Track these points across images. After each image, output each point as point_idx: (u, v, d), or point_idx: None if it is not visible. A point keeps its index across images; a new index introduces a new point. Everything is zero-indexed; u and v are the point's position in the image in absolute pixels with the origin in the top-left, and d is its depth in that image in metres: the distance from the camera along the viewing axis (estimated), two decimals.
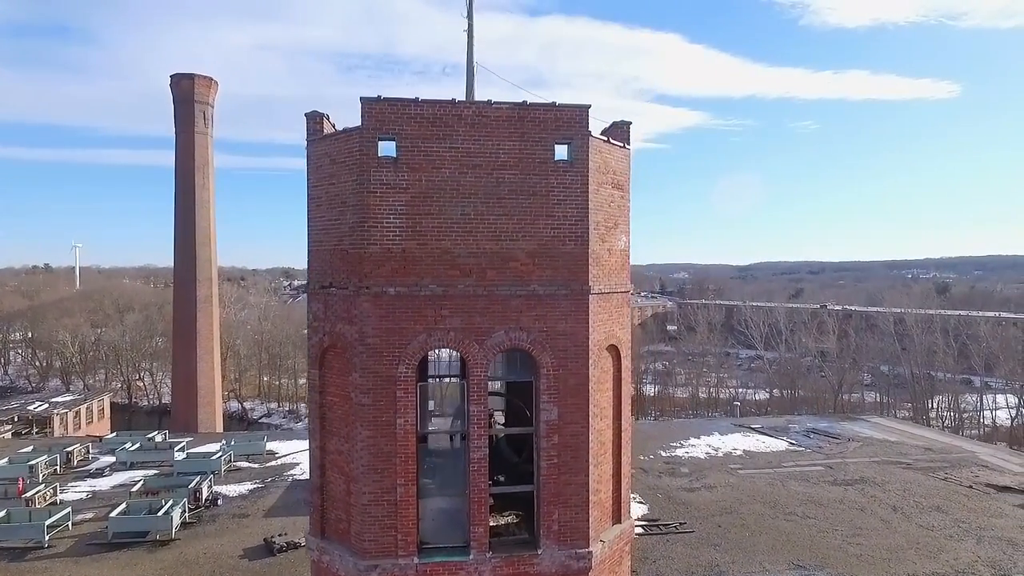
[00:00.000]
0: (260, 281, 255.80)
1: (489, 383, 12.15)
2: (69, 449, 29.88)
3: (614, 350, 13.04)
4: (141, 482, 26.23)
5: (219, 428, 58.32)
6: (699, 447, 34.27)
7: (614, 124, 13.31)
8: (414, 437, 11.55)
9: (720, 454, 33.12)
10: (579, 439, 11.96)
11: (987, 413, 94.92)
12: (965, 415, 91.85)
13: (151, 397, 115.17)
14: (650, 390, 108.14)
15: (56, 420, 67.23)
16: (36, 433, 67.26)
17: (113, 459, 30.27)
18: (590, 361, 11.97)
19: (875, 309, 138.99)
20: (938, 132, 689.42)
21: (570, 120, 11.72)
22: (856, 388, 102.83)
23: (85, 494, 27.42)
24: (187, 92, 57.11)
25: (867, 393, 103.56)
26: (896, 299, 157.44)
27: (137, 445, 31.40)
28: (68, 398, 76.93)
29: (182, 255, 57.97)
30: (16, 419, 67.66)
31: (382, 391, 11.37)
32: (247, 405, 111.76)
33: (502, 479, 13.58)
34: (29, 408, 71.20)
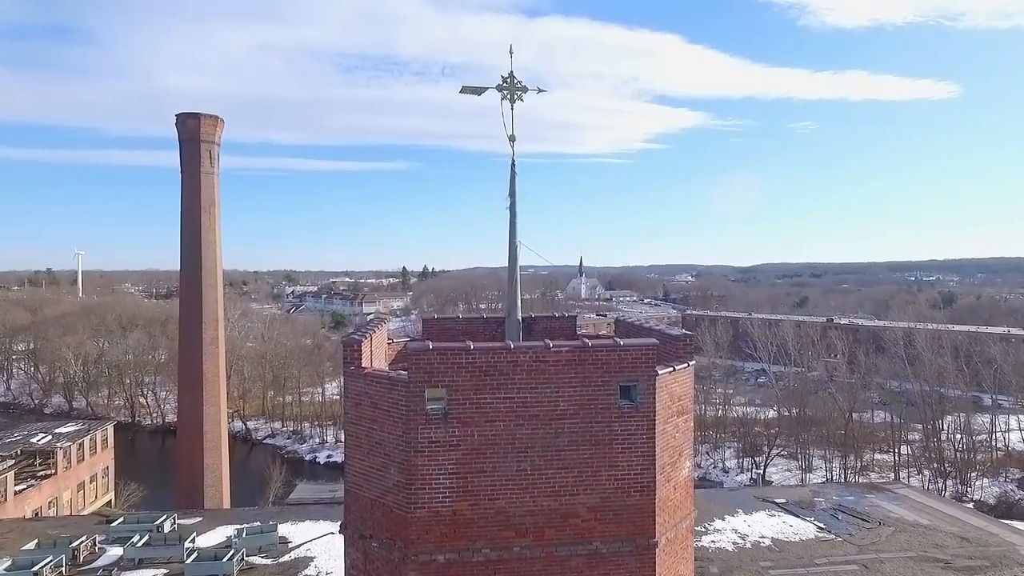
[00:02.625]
0: (262, 286, 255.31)
1: None
2: (75, 544, 29.03)
3: None
4: None
5: (225, 473, 57.38)
6: (725, 533, 33.30)
7: (679, 338, 12.22)
8: None
9: (748, 544, 32.12)
10: None
11: (999, 435, 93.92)
12: (977, 438, 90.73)
13: (154, 416, 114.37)
14: None
15: (59, 454, 66.42)
16: (39, 464, 66.53)
17: (120, 551, 29.43)
18: None
19: (882, 324, 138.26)
20: (938, 133, 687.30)
21: (635, 360, 10.64)
22: (866, 407, 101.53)
23: None
24: (193, 131, 55.79)
25: (877, 413, 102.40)
26: (902, 308, 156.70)
27: (145, 539, 30.50)
28: (71, 428, 76.02)
29: (188, 298, 56.83)
30: (19, 453, 66.87)
31: None
32: (251, 425, 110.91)
33: None
34: (32, 441, 70.35)
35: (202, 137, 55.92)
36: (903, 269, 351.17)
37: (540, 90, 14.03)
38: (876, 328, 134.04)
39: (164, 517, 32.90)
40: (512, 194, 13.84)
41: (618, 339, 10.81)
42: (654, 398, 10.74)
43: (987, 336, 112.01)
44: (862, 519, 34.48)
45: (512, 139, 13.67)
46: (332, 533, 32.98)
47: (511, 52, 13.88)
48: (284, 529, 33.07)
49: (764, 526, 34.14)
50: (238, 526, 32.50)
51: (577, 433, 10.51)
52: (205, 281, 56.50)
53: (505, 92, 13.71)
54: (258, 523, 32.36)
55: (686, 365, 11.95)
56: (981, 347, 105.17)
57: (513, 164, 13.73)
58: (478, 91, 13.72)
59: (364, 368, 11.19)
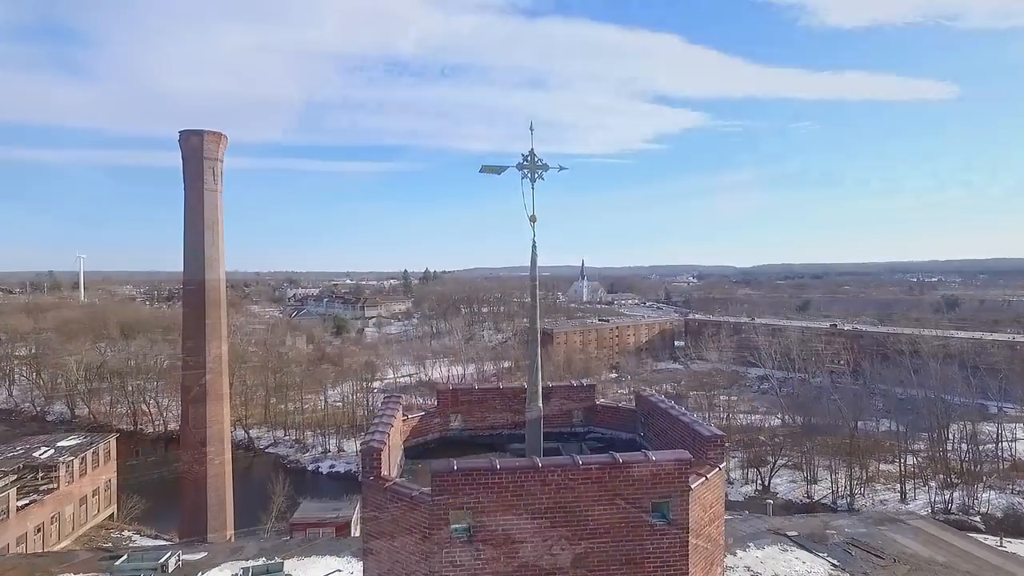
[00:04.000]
0: (264, 288, 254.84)
1: None
2: None
3: None
4: None
5: (229, 491, 57.08)
6: (738, 571, 32.82)
7: (709, 439, 11.76)
8: None
9: None
10: None
11: (1005, 444, 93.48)
12: (983, 447, 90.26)
13: (156, 424, 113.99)
14: None
15: (62, 468, 66.11)
16: (41, 478, 66.23)
17: None
18: None
19: (887, 330, 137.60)
20: (938, 133, 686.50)
21: (668, 475, 10.18)
22: (871, 415, 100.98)
23: None
24: (196, 148, 55.19)
25: (882, 422, 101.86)
26: (905, 312, 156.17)
27: None
28: (73, 442, 75.66)
29: (191, 315, 56.36)
30: (22, 467, 66.52)
31: None
32: (253, 433, 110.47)
33: None
34: (35, 455, 70.03)
35: (205, 154, 55.36)
36: (905, 270, 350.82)
37: (561, 168, 13.56)
38: (880, 335, 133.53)
39: (168, 554, 32.50)
40: (533, 277, 13.37)
41: (648, 452, 10.35)
42: (687, 513, 10.30)
43: (992, 343, 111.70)
44: (876, 555, 34.05)
45: (533, 220, 13.17)
46: (339, 571, 32.66)
47: (531, 129, 13.43)
48: (290, 566, 32.69)
49: (777, 563, 33.73)
50: (244, 564, 32.10)
51: (608, 553, 10.07)
52: (208, 298, 56.07)
53: (525, 171, 13.24)
54: (263, 560, 32.07)
55: (717, 469, 11.50)
56: (986, 354, 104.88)
57: (534, 246, 13.26)
58: (498, 171, 13.24)
59: (384, 480, 10.73)
